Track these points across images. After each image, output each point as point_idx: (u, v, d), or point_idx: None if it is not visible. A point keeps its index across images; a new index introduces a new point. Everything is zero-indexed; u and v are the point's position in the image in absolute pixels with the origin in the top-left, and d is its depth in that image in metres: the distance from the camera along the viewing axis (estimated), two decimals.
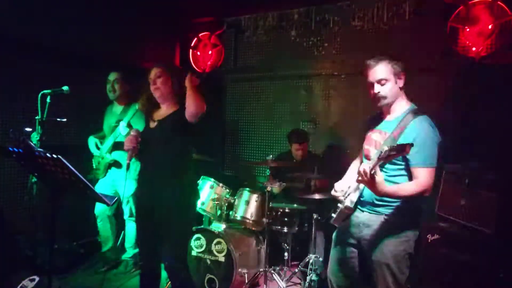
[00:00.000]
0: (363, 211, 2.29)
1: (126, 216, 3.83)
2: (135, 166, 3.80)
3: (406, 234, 2.19)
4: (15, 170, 3.66)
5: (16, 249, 3.39)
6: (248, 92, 5.12)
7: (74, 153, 3.72)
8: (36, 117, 2.95)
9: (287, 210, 3.58)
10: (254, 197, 3.62)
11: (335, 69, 4.54)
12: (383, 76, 2.21)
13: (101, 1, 4.23)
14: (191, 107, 2.50)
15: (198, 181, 2.89)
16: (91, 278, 3.70)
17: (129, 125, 3.53)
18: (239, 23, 5.06)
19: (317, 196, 3.47)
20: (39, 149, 2.19)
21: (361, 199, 2.28)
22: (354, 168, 2.50)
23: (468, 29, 3.74)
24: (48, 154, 1.91)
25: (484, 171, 3.16)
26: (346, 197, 2.33)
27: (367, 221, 2.26)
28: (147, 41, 4.91)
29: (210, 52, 5.20)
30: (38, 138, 2.93)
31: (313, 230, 3.56)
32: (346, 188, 2.36)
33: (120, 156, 3.76)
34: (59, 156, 1.87)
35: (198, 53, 5.28)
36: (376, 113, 2.45)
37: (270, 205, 3.50)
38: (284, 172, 3.94)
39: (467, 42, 3.76)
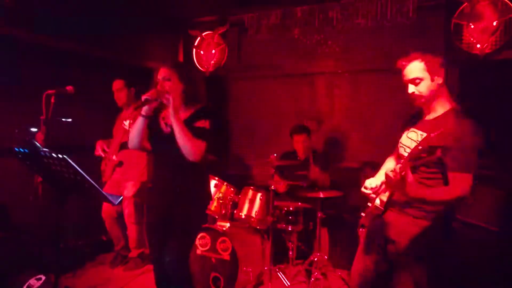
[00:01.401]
0: (392, 211, 2.22)
1: (126, 217, 3.84)
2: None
3: (433, 238, 2.12)
4: (21, 169, 3.67)
5: (22, 248, 3.41)
6: (252, 91, 5.12)
7: (79, 153, 3.77)
8: (41, 117, 2.97)
9: (291, 209, 3.58)
10: (259, 195, 3.63)
11: (338, 67, 4.53)
12: (416, 75, 2.12)
13: (104, 0, 4.23)
14: (185, 154, 2.29)
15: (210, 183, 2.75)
16: (97, 277, 3.72)
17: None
18: (242, 22, 5.04)
19: (321, 194, 3.46)
20: (44, 149, 2.20)
21: (392, 198, 2.20)
22: (388, 166, 2.42)
23: (472, 26, 3.72)
24: (53, 154, 1.92)
25: (489, 169, 3.14)
26: (376, 196, 2.25)
27: (395, 221, 2.19)
28: (150, 40, 4.92)
29: (213, 51, 5.20)
30: (43, 138, 2.95)
31: (317, 228, 3.55)
32: (377, 186, 2.28)
33: (125, 156, 3.80)
34: (64, 156, 1.88)
35: (202, 52, 5.28)
36: (416, 111, 2.32)
37: (275, 204, 3.51)
38: (288, 170, 3.94)
39: (472, 39, 3.74)
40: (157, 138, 2.47)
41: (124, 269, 3.87)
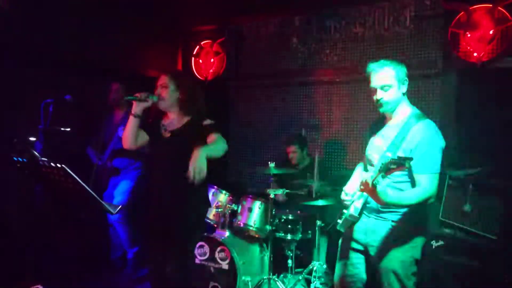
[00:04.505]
0: (369, 217, 2.27)
1: (115, 219, 3.81)
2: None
3: (413, 241, 2.17)
4: (19, 178, 3.66)
5: (20, 256, 3.39)
6: (250, 99, 5.13)
7: (77, 162, 3.75)
8: (39, 126, 2.97)
9: (290, 217, 3.57)
10: (257, 204, 3.61)
11: (336, 76, 4.54)
12: (387, 82, 2.18)
13: (103, 10, 4.25)
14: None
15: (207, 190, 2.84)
16: (96, 285, 3.69)
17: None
18: (241, 31, 5.08)
19: (320, 203, 3.46)
20: (43, 158, 2.20)
21: (367, 205, 2.25)
22: (359, 173, 2.49)
23: (469, 35, 3.74)
24: (52, 163, 1.93)
25: (488, 177, 3.15)
26: (351, 203, 2.29)
27: (373, 227, 2.24)
28: (149, 49, 4.95)
29: (212, 60, 5.22)
30: (41, 147, 2.95)
31: (316, 237, 3.54)
32: (353, 192, 2.32)
33: (119, 163, 3.80)
34: (63, 165, 1.89)
35: (200, 61, 5.30)
36: (379, 118, 2.43)
37: (273, 212, 3.50)
38: (286, 179, 3.94)
39: (469, 48, 3.76)
40: (156, 142, 2.58)
41: (119, 279, 3.84)
